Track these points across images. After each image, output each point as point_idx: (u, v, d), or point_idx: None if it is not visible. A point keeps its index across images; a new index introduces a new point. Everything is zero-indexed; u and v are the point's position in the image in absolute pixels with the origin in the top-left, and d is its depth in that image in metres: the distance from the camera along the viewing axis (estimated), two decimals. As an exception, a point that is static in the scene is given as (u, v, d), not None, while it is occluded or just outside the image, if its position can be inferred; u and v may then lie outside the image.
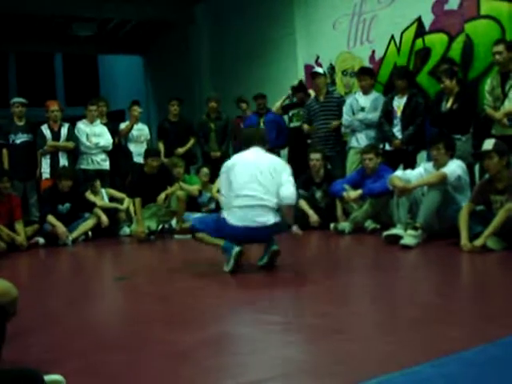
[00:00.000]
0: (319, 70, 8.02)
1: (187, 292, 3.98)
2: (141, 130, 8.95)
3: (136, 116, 8.83)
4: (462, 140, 6.06)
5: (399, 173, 5.92)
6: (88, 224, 7.27)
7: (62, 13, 11.88)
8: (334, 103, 7.74)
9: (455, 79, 6.21)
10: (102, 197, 7.93)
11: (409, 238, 5.20)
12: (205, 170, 8.47)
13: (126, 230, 7.54)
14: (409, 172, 5.85)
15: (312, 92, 8.17)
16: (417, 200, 5.62)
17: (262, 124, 8.49)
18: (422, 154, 6.75)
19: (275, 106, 8.62)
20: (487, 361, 2.28)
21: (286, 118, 8.71)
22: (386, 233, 5.53)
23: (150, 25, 13.74)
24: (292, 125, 8.48)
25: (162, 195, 7.20)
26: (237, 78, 10.97)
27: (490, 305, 3.20)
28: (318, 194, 7.14)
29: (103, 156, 8.33)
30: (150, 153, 7.40)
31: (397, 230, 5.46)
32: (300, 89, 8.47)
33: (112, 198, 8.05)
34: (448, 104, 6.24)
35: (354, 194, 6.54)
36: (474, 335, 2.60)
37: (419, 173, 5.73)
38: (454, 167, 5.44)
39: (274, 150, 8.42)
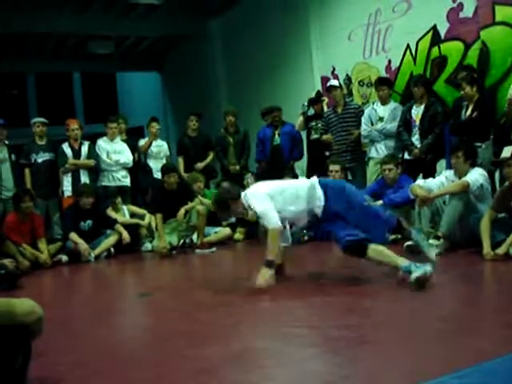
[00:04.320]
0: (334, 82, 8.01)
1: (210, 307, 3.98)
2: (160, 146, 9.01)
3: (154, 133, 8.90)
4: (483, 147, 6.00)
5: (420, 182, 5.86)
6: (110, 241, 7.33)
7: (79, 32, 12.08)
8: (351, 114, 7.74)
9: (475, 86, 6.17)
10: (123, 213, 8.00)
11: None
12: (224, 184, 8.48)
13: (148, 246, 7.59)
14: (430, 181, 5.78)
15: (325, 100, 8.17)
16: (438, 209, 5.58)
17: (276, 136, 8.52)
18: (442, 163, 6.72)
19: (297, 125, 8.57)
20: (513, 371, 2.25)
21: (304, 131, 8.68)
22: (407, 243, 5.49)
23: (165, 41, 13.89)
24: (311, 137, 8.47)
25: (182, 211, 7.22)
26: (253, 91, 11.04)
27: (514, 314, 3.16)
28: (339, 206, 7.09)
29: (124, 173, 8.40)
30: (165, 170, 7.41)
31: (418, 240, 5.41)
32: (317, 101, 8.48)
33: (133, 215, 8.11)
34: (468, 111, 6.21)
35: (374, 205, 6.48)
36: (499, 345, 2.57)
37: (440, 181, 5.67)
38: (477, 176, 5.38)
39: (289, 162, 8.49)
